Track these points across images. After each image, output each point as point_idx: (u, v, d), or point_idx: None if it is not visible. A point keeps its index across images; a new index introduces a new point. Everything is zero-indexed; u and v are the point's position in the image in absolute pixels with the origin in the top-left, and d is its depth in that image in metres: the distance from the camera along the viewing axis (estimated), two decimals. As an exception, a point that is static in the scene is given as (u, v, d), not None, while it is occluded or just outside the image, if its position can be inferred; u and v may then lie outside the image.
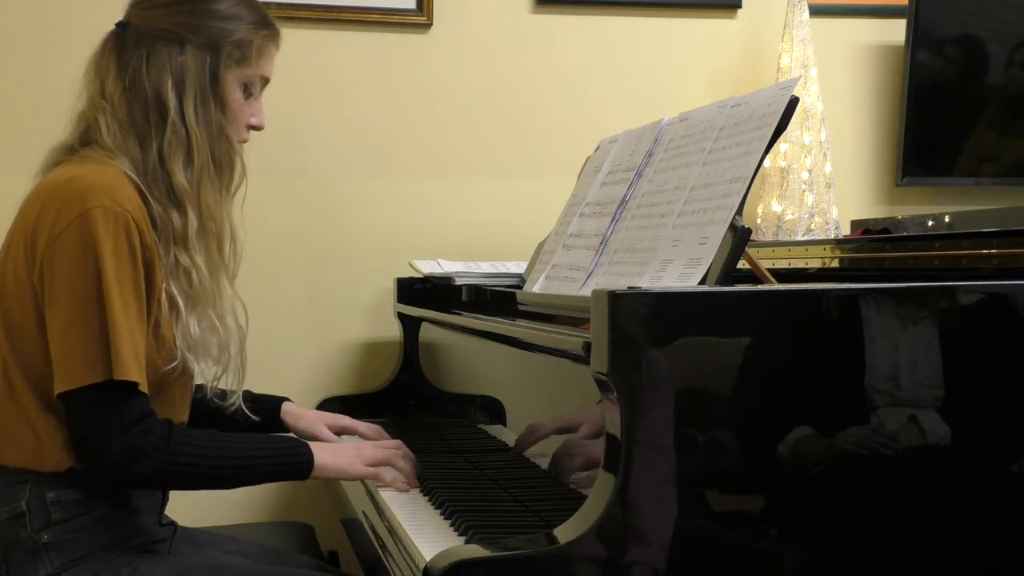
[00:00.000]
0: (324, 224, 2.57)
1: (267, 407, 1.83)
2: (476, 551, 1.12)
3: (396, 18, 2.58)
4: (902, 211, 2.75)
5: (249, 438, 1.59)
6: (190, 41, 1.54)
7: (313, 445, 1.58)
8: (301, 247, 2.55)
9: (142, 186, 1.50)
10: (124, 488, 1.51)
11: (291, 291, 2.54)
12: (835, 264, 1.83)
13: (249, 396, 1.77)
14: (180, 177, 1.52)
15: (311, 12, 2.52)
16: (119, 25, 1.59)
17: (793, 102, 1.39)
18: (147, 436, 1.41)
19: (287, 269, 2.53)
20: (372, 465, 1.62)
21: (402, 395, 2.38)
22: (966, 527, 1.19)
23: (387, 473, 1.63)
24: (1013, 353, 1.21)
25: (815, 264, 1.87)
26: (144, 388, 1.42)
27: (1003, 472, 1.20)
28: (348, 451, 1.63)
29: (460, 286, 2.15)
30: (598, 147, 2.00)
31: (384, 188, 2.60)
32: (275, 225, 2.49)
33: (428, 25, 2.60)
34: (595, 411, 1.24)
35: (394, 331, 2.47)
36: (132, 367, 1.40)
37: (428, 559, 1.15)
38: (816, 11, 2.68)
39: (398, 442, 1.71)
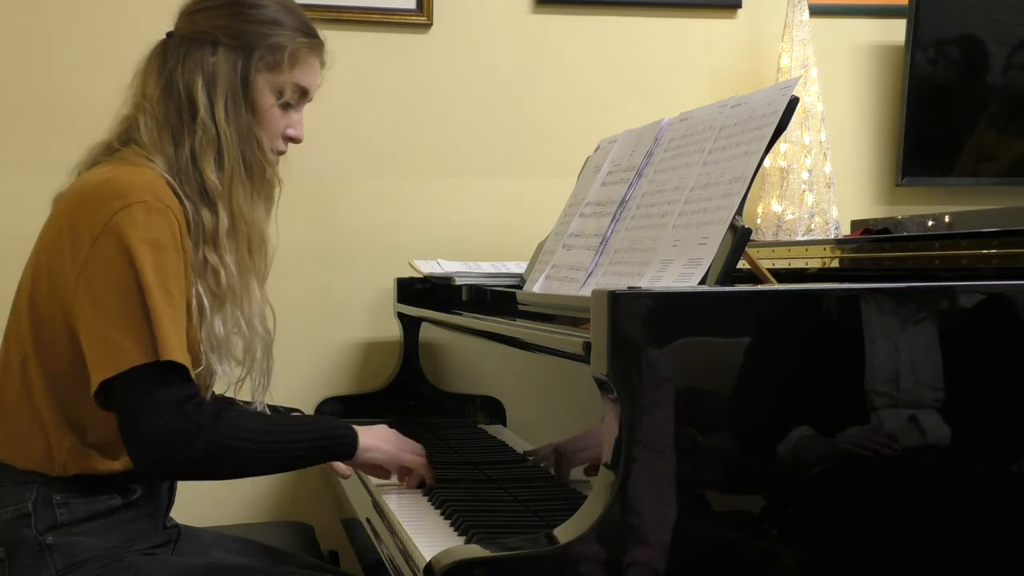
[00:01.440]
0: (324, 224, 2.57)
1: None
2: (476, 551, 1.12)
3: (396, 18, 2.58)
4: (902, 211, 2.75)
5: (293, 418, 1.63)
6: (223, 43, 1.56)
7: (357, 427, 1.59)
8: (301, 247, 2.55)
9: (176, 187, 1.51)
10: (179, 474, 1.52)
11: (291, 291, 2.53)
12: (835, 264, 1.83)
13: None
14: (212, 176, 1.53)
15: (311, 12, 2.46)
16: (168, 35, 1.61)
17: (793, 102, 1.39)
18: (199, 411, 1.40)
19: (287, 269, 2.52)
20: (412, 457, 1.65)
21: (402, 395, 2.39)
22: (966, 527, 1.19)
23: (415, 479, 1.66)
24: (1013, 353, 1.21)
25: (815, 264, 1.87)
26: (192, 372, 1.42)
27: (1003, 472, 1.20)
28: (391, 437, 1.64)
29: (460, 286, 2.15)
30: (598, 147, 2.00)
31: (384, 188, 2.60)
32: (275, 225, 2.48)
33: (428, 25, 2.60)
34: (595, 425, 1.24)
35: (394, 331, 2.47)
36: (178, 350, 1.39)
37: (428, 559, 1.15)
38: (816, 11, 2.68)
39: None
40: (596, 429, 1.26)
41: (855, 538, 1.16)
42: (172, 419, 1.38)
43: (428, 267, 2.32)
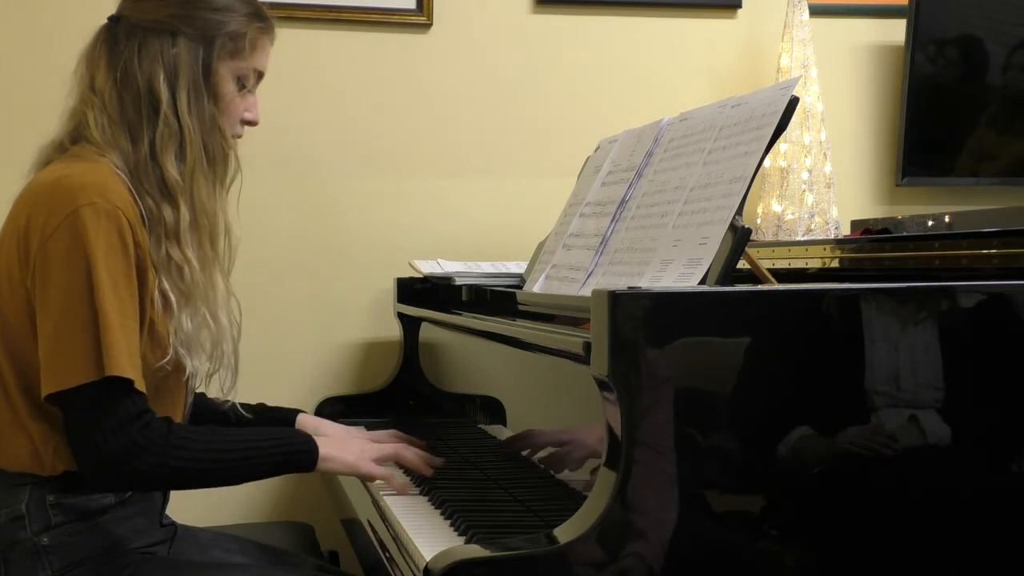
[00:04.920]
0: (324, 224, 2.57)
1: (281, 419, 1.82)
2: (476, 551, 1.12)
3: (396, 18, 2.58)
4: (902, 211, 2.75)
5: (250, 432, 1.57)
6: (182, 33, 1.53)
7: (317, 438, 1.56)
8: (301, 247, 2.55)
9: (132, 182, 1.49)
10: (125, 489, 1.50)
11: (291, 291, 2.54)
12: (835, 264, 1.83)
13: (263, 408, 1.77)
14: (172, 170, 1.51)
15: (311, 12, 2.52)
16: (111, 19, 1.57)
17: (793, 102, 1.39)
18: (145, 432, 1.39)
19: (287, 269, 2.53)
20: (379, 462, 1.60)
21: (402, 395, 2.38)
22: (966, 527, 1.19)
23: (397, 478, 1.61)
24: (1013, 353, 1.21)
25: (815, 264, 1.87)
26: (140, 386, 1.40)
27: (1003, 472, 1.20)
28: (353, 445, 1.61)
29: (460, 286, 2.15)
30: (598, 147, 2.00)
31: (384, 188, 2.60)
32: (275, 225, 2.49)
33: (428, 25, 2.60)
34: (595, 425, 1.24)
35: (394, 331, 2.47)
36: (126, 364, 1.38)
37: (428, 559, 1.15)
38: (816, 11, 2.68)
39: (396, 433, 1.73)
40: (595, 427, 1.27)
41: (855, 538, 1.16)
42: (117, 440, 1.38)
43: (428, 267, 2.32)
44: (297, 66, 1.70)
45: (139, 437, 1.39)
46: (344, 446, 1.59)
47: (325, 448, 1.54)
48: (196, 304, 1.52)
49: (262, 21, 1.61)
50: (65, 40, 2.37)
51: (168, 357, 1.48)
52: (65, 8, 2.41)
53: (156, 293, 1.48)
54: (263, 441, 1.52)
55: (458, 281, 2.16)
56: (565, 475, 1.45)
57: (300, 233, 2.55)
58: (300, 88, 2.47)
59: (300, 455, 1.53)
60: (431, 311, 2.21)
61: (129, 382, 1.39)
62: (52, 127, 1.59)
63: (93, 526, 1.48)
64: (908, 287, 1.21)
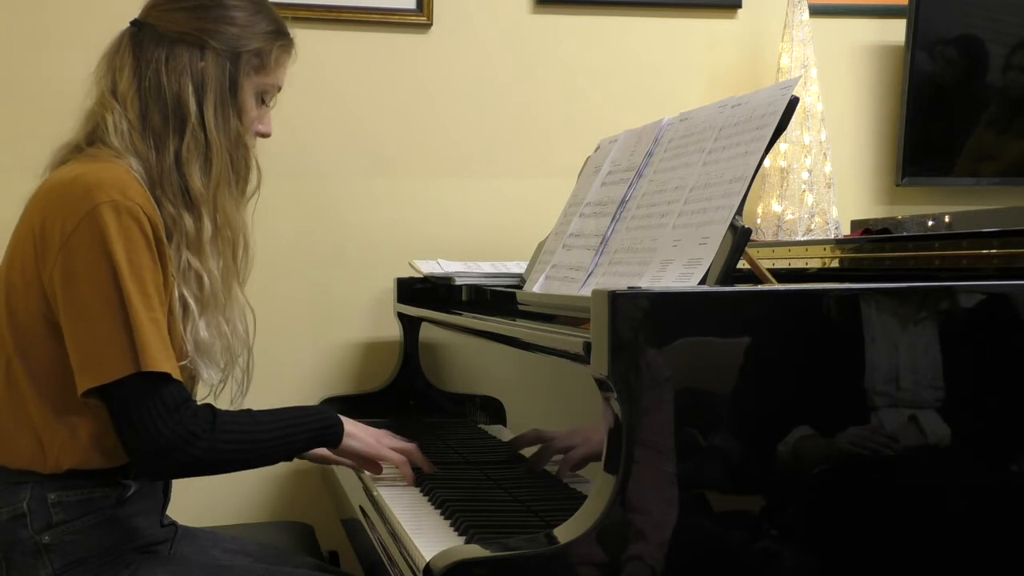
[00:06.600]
0: (324, 224, 2.57)
1: None
2: (476, 551, 1.12)
3: (396, 18, 2.58)
4: (902, 211, 2.75)
5: (282, 413, 1.61)
6: (210, 47, 1.54)
7: (341, 417, 1.63)
8: (301, 247, 2.55)
9: (150, 187, 1.50)
10: (175, 476, 1.54)
11: (291, 291, 2.54)
12: (835, 264, 1.83)
13: None
14: (197, 182, 1.52)
15: (311, 12, 2.52)
16: (135, 24, 1.58)
17: (793, 102, 1.39)
18: (195, 420, 1.42)
19: (287, 269, 2.53)
20: (394, 451, 1.67)
21: (402, 395, 2.38)
22: (966, 527, 1.19)
23: (408, 467, 1.66)
24: (1013, 353, 1.21)
25: (815, 264, 1.87)
26: (177, 376, 1.42)
27: (1003, 472, 1.20)
28: (370, 430, 1.67)
29: (460, 286, 2.15)
30: (598, 147, 2.00)
31: (384, 188, 2.60)
32: (275, 225, 2.48)
33: (428, 25, 2.60)
34: (595, 425, 1.24)
35: (394, 331, 2.47)
36: (160, 358, 1.40)
37: (428, 559, 1.15)
38: (816, 11, 2.68)
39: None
40: (595, 427, 1.27)
41: (855, 538, 1.16)
42: (168, 428, 1.40)
43: (428, 267, 2.32)
44: (297, 66, 1.70)
45: (191, 425, 1.41)
46: (364, 428, 1.66)
47: (349, 426, 1.62)
48: (213, 313, 1.54)
49: (284, 38, 1.63)
50: (69, 42, 2.39)
51: (186, 360, 1.49)
52: (70, 10, 2.41)
53: (175, 292, 1.49)
54: (295, 420, 1.57)
55: (458, 281, 2.16)
56: (565, 475, 1.45)
57: (300, 233, 2.55)
58: (300, 88, 2.45)
59: (329, 430, 1.59)
60: (431, 311, 2.21)
61: (166, 374, 1.40)
62: (64, 129, 1.59)
63: (94, 525, 1.48)
64: (908, 287, 1.21)
